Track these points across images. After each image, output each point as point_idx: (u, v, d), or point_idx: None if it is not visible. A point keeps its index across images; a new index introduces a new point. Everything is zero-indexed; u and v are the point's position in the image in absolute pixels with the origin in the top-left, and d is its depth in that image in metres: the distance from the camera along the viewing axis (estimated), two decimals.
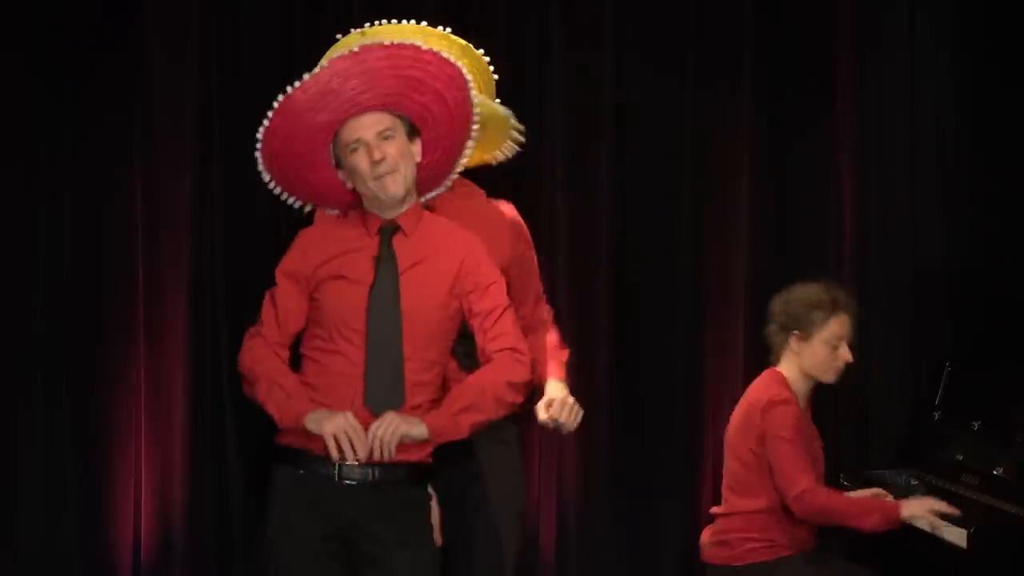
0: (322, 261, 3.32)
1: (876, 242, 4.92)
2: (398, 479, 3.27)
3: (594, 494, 4.81)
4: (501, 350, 3.32)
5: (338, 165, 3.33)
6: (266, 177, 3.34)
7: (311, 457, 3.25)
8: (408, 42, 3.23)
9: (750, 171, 4.88)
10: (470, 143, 3.44)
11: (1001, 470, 4.12)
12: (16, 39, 4.48)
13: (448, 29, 3.43)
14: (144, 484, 4.55)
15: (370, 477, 3.24)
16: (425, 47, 3.25)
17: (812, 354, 4.05)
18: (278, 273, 3.35)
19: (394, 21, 3.43)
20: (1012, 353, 4.51)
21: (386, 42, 3.20)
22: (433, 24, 3.50)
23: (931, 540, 4.03)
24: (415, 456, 3.29)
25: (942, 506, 3.98)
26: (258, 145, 3.28)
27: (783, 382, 4.05)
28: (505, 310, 3.36)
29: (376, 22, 3.43)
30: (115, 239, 4.56)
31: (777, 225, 4.93)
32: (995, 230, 4.87)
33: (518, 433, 3.72)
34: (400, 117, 3.29)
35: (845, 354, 4.07)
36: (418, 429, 3.19)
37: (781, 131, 4.91)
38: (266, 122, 3.24)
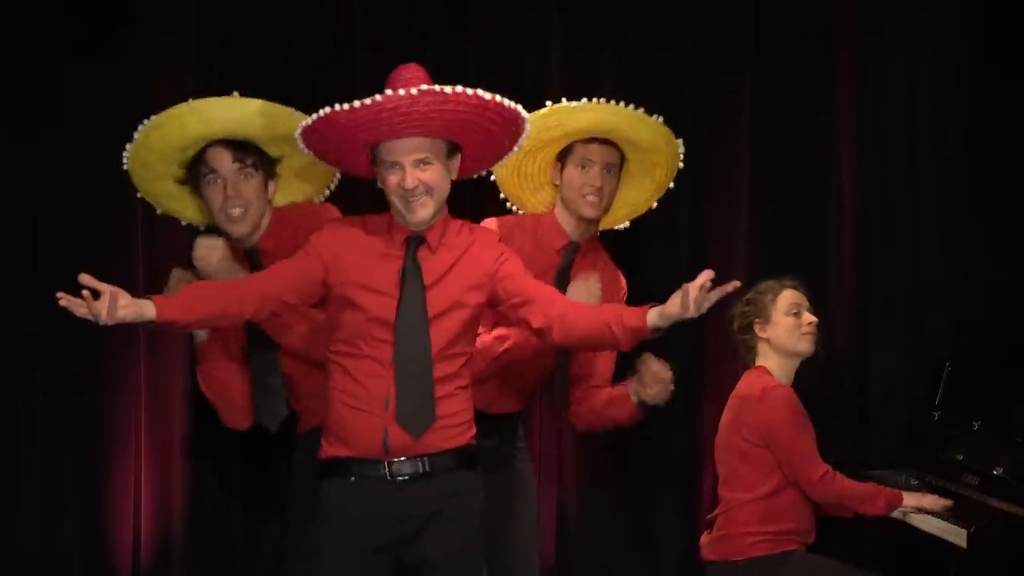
0: (346, 257, 3.33)
1: (876, 242, 4.91)
2: (448, 466, 3.32)
3: (594, 494, 4.82)
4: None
5: (374, 163, 3.35)
6: (302, 145, 3.35)
7: (360, 463, 3.30)
8: (471, 91, 3.23)
9: (750, 171, 4.88)
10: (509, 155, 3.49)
11: (1001, 470, 4.12)
12: (15, 37, 4.48)
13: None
14: (144, 485, 4.55)
15: (421, 469, 3.30)
16: (487, 96, 3.25)
17: (778, 329, 4.10)
18: (312, 240, 3.38)
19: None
20: (1012, 353, 4.51)
21: (447, 90, 3.20)
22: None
23: (931, 540, 4.04)
24: (462, 440, 3.35)
25: (940, 502, 4.08)
26: (298, 132, 3.30)
27: (767, 373, 4.11)
28: (550, 291, 3.45)
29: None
30: (115, 239, 4.55)
31: (777, 225, 4.93)
32: (995, 229, 4.86)
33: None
34: (443, 139, 3.31)
35: (808, 317, 4.14)
36: None
37: (781, 131, 4.91)
38: (308, 121, 3.26)
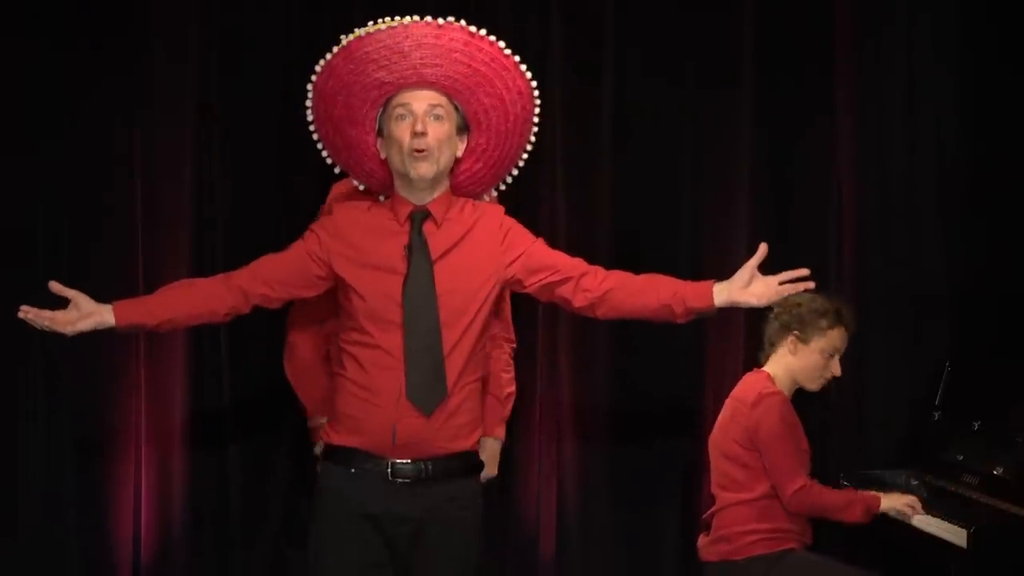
0: (350, 239, 3.30)
1: (876, 243, 4.91)
2: (450, 472, 3.29)
3: (594, 494, 4.81)
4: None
5: (379, 133, 3.30)
6: (309, 116, 3.32)
7: (363, 456, 3.27)
8: (493, 39, 3.21)
9: (750, 170, 4.88)
10: (515, 171, 3.44)
11: (1001, 470, 4.13)
12: (14, 37, 4.47)
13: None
14: (144, 482, 4.55)
15: (423, 474, 3.26)
16: (507, 51, 3.23)
17: (805, 359, 4.09)
18: (314, 228, 3.36)
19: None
20: (1012, 353, 4.51)
21: (472, 29, 3.18)
22: None
23: (931, 540, 4.04)
24: (467, 443, 3.32)
25: (917, 504, 4.08)
26: (312, 78, 3.26)
27: (768, 379, 4.09)
28: (580, 264, 3.38)
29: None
30: (115, 239, 4.55)
31: (777, 226, 4.93)
32: (995, 228, 4.87)
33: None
34: (455, 107, 3.27)
35: (836, 367, 4.15)
36: None
37: (781, 131, 4.91)
38: (329, 56, 3.22)
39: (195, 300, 3.30)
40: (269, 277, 3.33)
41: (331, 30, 4.40)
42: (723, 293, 3.24)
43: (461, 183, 3.40)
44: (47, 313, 3.23)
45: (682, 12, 4.87)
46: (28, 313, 3.22)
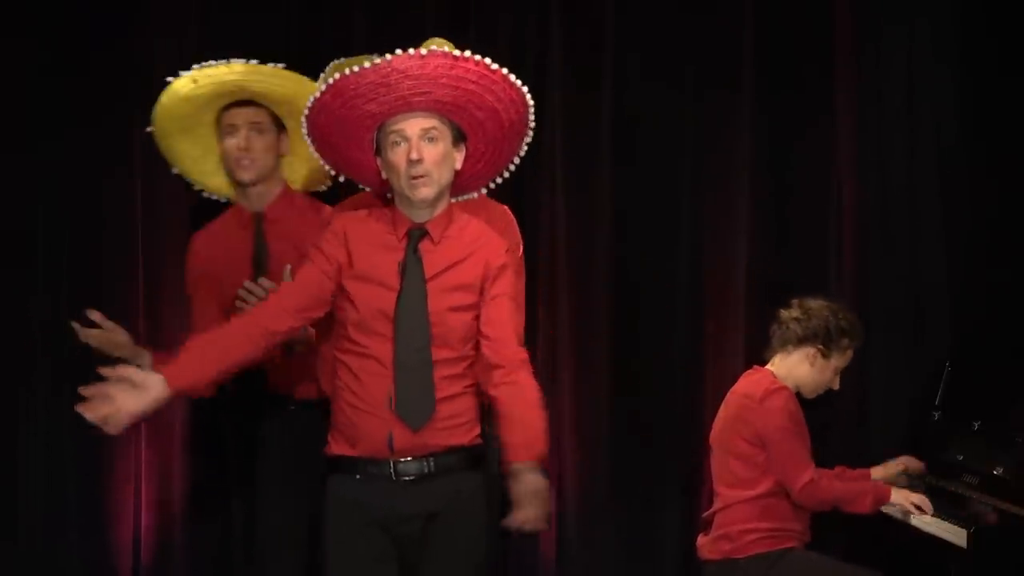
0: (352, 249, 3.31)
1: (876, 243, 4.91)
2: (452, 466, 3.31)
3: (594, 494, 4.81)
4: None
5: (378, 152, 3.32)
6: (308, 140, 3.35)
7: (365, 461, 3.29)
8: (478, 58, 3.22)
9: (750, 173, 4.88)
10: (515, 161, 3.46)
11: (1001, 470, 4.12)
12: (15, 37, 4.49)
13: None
14: (144, 484, 4.55)
15: (426, 469, 3.29)
16: (494, 66, 3.25)
17: (820, 373, 4.10)
18: (313, 248, 3.37)
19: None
20: (1012, 353, 4.51)
21: (456, 53, 3.20)
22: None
23: (931, 540, 4.04)
24: (466, 439, 3.34)
25: (926, 503, 4.06)
26: (305, 112, 3.28)
27: (773, 377, 4.10)
28: (509, 354, 3.36)
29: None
30: (115, 239, 4.56)
31: (777, 228, 4.93)
32: (995, 229, 4.86)
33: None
34: (449, 122, 3.29)
35: (836, 382, 4.19)
36: None
37: (781, 133, 4.91)
38: (317, 93, 3.24)
39: (234, 355, 3.31)
40: (293, 308, 3.34)
41: (331, 30, 4.45)
42: (519, 475, 3.25)
43: (463, 184, 3.43)
44: (114, 406, 3.27)
45: (682, 16, 4.88)
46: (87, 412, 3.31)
